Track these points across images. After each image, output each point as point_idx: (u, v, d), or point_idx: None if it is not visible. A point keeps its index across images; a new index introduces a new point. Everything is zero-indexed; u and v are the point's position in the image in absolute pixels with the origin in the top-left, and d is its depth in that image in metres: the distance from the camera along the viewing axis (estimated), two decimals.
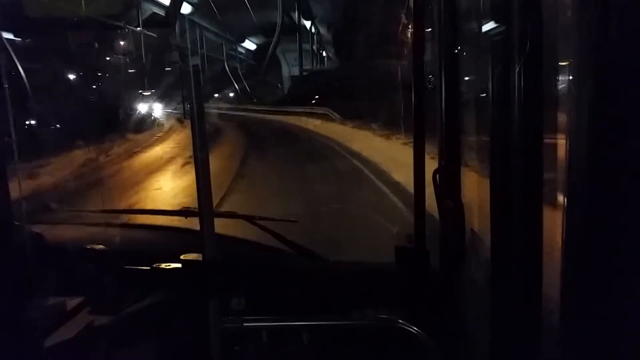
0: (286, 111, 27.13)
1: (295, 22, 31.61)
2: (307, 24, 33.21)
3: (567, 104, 0.66)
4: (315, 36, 35.23)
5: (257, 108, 31.16)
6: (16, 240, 1.04)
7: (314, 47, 36.06)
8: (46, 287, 1.31)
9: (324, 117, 22.76)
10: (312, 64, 36.06)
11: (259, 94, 33.72)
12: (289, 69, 36.67)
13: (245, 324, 1.33)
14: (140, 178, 10.05)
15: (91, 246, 1.57)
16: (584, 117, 0.60)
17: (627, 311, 0.60)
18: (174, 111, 23.96)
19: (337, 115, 21.63)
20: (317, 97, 27.10)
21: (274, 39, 27.43)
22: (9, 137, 1.03)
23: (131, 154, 13.95)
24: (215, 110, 29.27)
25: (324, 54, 36.67)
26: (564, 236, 0.64)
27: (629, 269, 0.59)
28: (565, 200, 0.63)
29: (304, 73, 34.82)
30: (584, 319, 0.64)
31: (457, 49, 1.38)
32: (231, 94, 34.85)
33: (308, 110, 24.72)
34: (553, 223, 0.86)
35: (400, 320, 1.35)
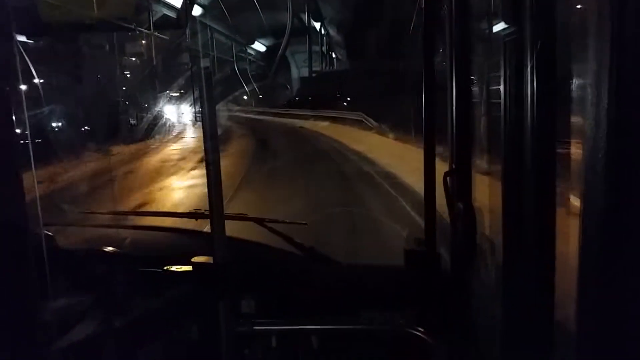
0: (311, 115, 26.16)
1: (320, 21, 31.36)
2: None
3: (582, 105, 0.65)
4: (325, 37, 35.30)
5: (280, 111, 30.87)
6: (30, 242, 1.05)
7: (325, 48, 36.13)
8: (58, 289, 1.31)
9: (358, 123, 20.46)
10: (325, 64, 36.06)
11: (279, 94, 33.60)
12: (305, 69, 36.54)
13: (255, 327, 1.33)
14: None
15: (102, 248, 1.58)
16: (601, 119, 0.59)
17: None
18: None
19: (374, 123, 19.00)
20: (348, 99, 26.73)
21: (284, 40, 27.52)
22: (24, 140, 1.04)
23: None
24: (238, 113, 28.92)
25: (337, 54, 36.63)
26: (580, 239, 0.63)
27: None
28: (581, 203, 0.62)
29: (328, 70, 34.44)
30: (599, 323, 0.63)
31: (468, 50, 1.37)
32: (244, 97, 34.85)
33: (336, 115, 23.19)
34: (566, 226, 0.85)
35: (410, 324, 1.34)
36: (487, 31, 1.30)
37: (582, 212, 0.62)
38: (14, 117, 0.94)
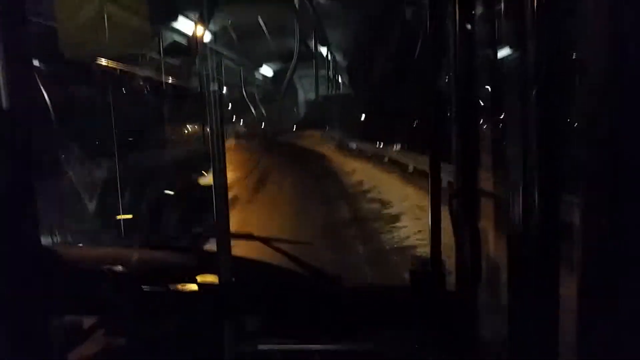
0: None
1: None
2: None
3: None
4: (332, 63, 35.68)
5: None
6: (36, 259, 1.06)
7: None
8: (61, 307, 1.32)
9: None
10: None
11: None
12: None
13: (259, 347, 1.33)
14: None
15: (106, 266, 1.59)
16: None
17: None
18: None
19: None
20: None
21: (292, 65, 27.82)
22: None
23: None
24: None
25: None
26: (580, 259, 0.64)
27: None
28: (581, 221, 0.63)
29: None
30: (604, 347, 0.63)
31: (473, 74, 1.39)
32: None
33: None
34: (570, 245, 0.86)
35: (416, 345, 1.33)
36: (492, 57, 1.33)
37: (583, 234, 0.63)
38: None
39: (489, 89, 1.51)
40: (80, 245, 2.05)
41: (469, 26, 1.34)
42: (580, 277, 0.65)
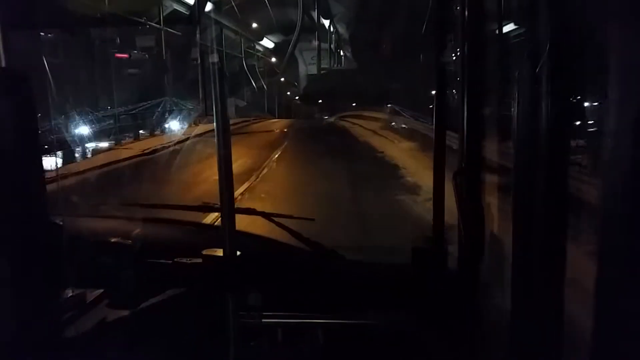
0: None
1: None
2: None
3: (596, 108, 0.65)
4: None
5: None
6: (39, 233, 1.06)
7: None
8: (66, 280, 1.33)
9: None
10: None
11: None
12: None
13: (264, 320, 1.34)
14: None
15: (112, 239, 1.60)
16: (619, 121, 0.59)
17: None
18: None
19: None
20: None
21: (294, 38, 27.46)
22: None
23: None
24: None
25: None
26: (600, 239, 0.63)
27: None
28: (601, 202, 0.62)
29: None
30: (610, 325, 0.64)
31: (481, 49, 1.37)
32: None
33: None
34: (577, 226, 0.86)
35: (417, 321, 1.35)
36: (499, 31, 1.30)
37: (600, 213, 0.62)
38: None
39: (497, 65, 1.49)
40: (87, 217, 2.06)
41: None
42: (598, 256, 0.64)
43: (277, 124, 27.11)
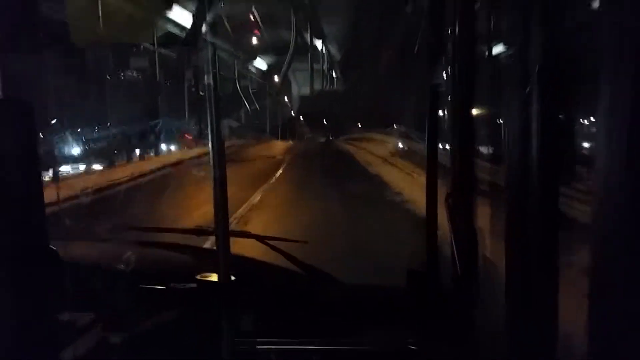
0: None
1: None
2: None
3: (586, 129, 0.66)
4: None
5: None
6: (34, 257, 1.05)
7: None
8: (60, 304, 1.31)
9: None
10: None
11: None
12: None
13: (258, 346, 1.33)
14: None
15: (105, 263, 1.59)
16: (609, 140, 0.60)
17: None
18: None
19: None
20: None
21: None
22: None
23: None
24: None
25: None
26: (592, 260, 0.63)
27: None
28: (592, 224, 0.63)
29: None
30: (607, 354, 0.63)
31: (471, 71, 1.39)
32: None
33: None
34: (570, 246, 0.86)
35: (413, 344, 1.33)
36: (490, 52, 1.32)
37: (592, 236, 0.63)
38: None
39: (488, 86, 1.51)
40: (82, 242, 2.04)
41: (469, 20, 1.33)
42: (591, 278, 0.64)
43: (275, 147, 25.16)
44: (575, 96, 1.04)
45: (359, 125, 29.81)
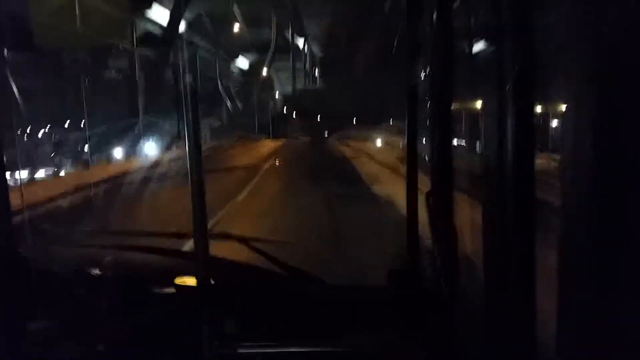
0: None
1: None
2: None
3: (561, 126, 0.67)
4: None
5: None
6: (12, 263, 1.03)
7: None
8: (38, 311, 1.29)
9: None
10: None
11: None
12: None
13: (239, 350, 1.31)
14: None
15: (83, 268, 1.56)
16: (581, 138, 0.61)
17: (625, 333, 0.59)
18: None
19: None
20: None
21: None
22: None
23: None
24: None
25: None
26: (561, 255, 0.64)
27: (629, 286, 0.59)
28: (561, 224, 0.64)
29: None
30: (581, 340, 0.64)
31: (450, 69, 1.40)
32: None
33: None
34: (547, 240, 0.87)
35: (396, 344, 1.34)
36: (469, 51, 1.33)
37: (562, 229, 0.63)
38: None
39: (467, 84, 1.51)
40: (58, 246, 2.01)
41: (446, 19, 1.34)
42: (561, 276, 0.65)
43: (253, 152, 20.18)
44: (550, 95, 1.05)
45: (354, 122, 28.52)
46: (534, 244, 0.86)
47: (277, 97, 37.41)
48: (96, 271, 1.47)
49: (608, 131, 0.59)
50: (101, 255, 1.67)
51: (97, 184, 8.86)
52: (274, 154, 18.65)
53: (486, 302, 0.97)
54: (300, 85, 35.43)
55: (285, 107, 35.30)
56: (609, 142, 0.59)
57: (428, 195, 1.40)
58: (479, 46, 1.09)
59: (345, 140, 23.86)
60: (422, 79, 1.56)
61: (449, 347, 1.31)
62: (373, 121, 22.60)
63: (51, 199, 7.82)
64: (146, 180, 9.84)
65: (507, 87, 0.86)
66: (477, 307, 1.07)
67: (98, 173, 11.59)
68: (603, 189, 0.60)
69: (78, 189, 8.35)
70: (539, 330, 0.85)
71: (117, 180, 10.27)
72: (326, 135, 29.44)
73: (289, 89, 36.05)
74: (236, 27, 27.03)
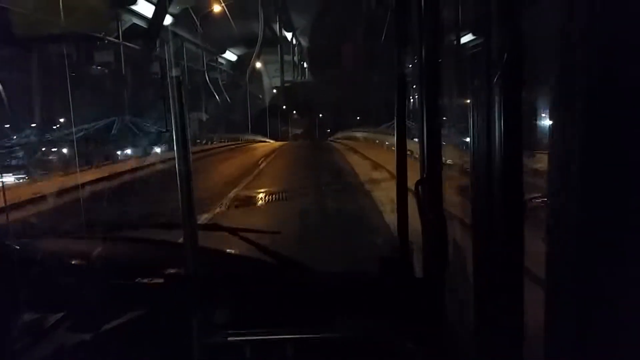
0: None
1: None
2: None
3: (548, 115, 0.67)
4: None
5: None
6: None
7: None
8: (25, 303, 1.28)
9: None
10: None
11: None
12: None
13: (229, 338, 1.32)
14: None
15: (70, 260, 1.55)
16: (567, 129, 0.61)
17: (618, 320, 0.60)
18: None
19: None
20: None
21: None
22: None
23: None
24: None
25: None
26: (548, 244, 0.65)
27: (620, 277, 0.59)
28: (549, 207, 0.64)
29: None
30: (568, 326, 0.65)
31: (438, 60, 1.40)
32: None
33: None
34: (535, 229, 0.88)
35: (385, 331, 1.35)
36: (457, 42, 1.33)
37: (549, 221, 0.64)
38: None
39: (455, 75, 1.52)
40: (44, 238, 1.99)
41: (434, 9, 1.34)
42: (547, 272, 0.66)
43: (231, 159, 18.70)
44: (539, 85, 1.06)
45: (358, 119, 26.99)
46: (522, 233, 0.87)
47: (266, 91, 37.19)
48: (83, 262, 1.47)
49: (597, 127, 0.59)
50: (90, 246, 1.66)
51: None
52: (254, 164, 17.04)
53: (475, 289, 0.98)
54: (289, 77, 35.29)
55: (276, 104, 34.83)
56: (599, 139, 0.59)
57: (418, 183, 1.41)
58: (467, 36, 1.10)
59: (348, 141, 24.15)
60: (411, 69, 1.57)
61: (439, 333, 1.33)
62: (379, 119, 21.84)
63: None
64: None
65: (495, 78, 0.87)
66: (466, 294, 1.08)
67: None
68: (591, 187, 0.60)
69: None
70: (527, 317, 0.86)
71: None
72: (329, 134, 28.98)
73: (277, 82, 35.89)
74: (223, 21, 26.79)
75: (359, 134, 23.40)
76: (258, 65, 34.28)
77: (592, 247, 0.59)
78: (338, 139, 26.46)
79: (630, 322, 0.56)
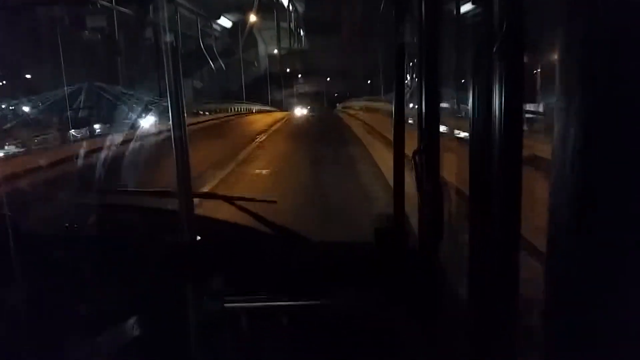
0: None
1: None
2: None
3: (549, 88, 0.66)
4: None
5: None
6: None
7: None
8: (22, 271, 1.28)
9: None
10: None
11: None
12: None
13: (226, 305, 1.33)
14: None
15: (67, 227, 1.55)
16: (570, 107, 0.60)
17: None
18: None
19: None
20: None
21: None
22: None
23: None
24: None
25: None
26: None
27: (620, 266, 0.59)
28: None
29: None
30: (563, 302, 0.65)
31: (438, 30, 1.38)
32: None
33: None
34: (531, 205, 0.88)
35: (380, 300, 1.36)
36: (457, 11, 1.31)
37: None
38: None
39: (455, 44, 1.50)
40: (45, 206, 1.98)
41: None
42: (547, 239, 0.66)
43: (222, 136, 16.89)
44: (540, 54, 1.04)
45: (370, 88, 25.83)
46: (520, 203, 0.87)
47: (261, 58, 36.67)
48: (79, 229, 1.47)
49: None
50: (87, 214, 1.65)
51: None
52: (247, 143, 15.94)
53: (470, 260, 0.99)
54: (285, 44, 34.73)
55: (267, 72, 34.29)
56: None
57: (415, 154, 1.40)
58: (468, 6, 1.07)
59: (359, 112, 22.74)
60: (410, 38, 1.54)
61: (430, 304, 1.34)
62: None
63: None
64: None
65: (495, 47, 0.85)
66: (461, 266, 1.09)
67: None
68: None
69: None
70: (521, 288, 0.87)
71: None
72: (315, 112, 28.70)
73: (272, 48, 35.34)
74: None
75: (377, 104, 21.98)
76: (254, 32, 33.71)
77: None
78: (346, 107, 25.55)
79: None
